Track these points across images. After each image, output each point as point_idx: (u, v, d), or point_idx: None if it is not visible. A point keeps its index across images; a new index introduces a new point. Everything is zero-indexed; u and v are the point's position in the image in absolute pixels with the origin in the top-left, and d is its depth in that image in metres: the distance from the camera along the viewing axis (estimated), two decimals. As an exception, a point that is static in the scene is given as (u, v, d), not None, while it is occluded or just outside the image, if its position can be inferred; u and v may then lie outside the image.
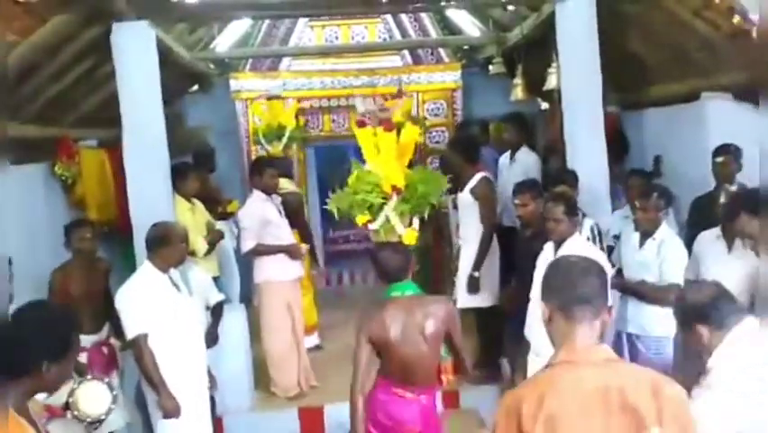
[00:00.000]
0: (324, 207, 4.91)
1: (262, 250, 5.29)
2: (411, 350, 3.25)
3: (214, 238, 5.53)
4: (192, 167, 5.78)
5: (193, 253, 5.18)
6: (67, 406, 2.98)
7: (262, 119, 6.75)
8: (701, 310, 2.65)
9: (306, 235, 6.16)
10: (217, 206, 6.18)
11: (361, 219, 4.52)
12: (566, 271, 2.01)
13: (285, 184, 6.04)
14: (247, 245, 5.29)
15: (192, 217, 5.40)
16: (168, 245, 3.93)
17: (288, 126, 6.56)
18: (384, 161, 4.48)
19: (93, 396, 2.99)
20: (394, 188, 4.41)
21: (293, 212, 5.73)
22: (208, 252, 5.43)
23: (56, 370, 2.06)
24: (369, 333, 3.28)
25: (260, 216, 5.28)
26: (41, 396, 2.60)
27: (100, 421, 2.97)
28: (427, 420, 3.39)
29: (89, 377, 3.17)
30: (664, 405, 1.83)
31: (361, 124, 4.73)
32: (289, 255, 5.38)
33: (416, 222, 4.49)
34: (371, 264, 3.62)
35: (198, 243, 5.30)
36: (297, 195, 6.17)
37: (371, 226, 4.49)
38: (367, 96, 6.63)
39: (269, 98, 7.16)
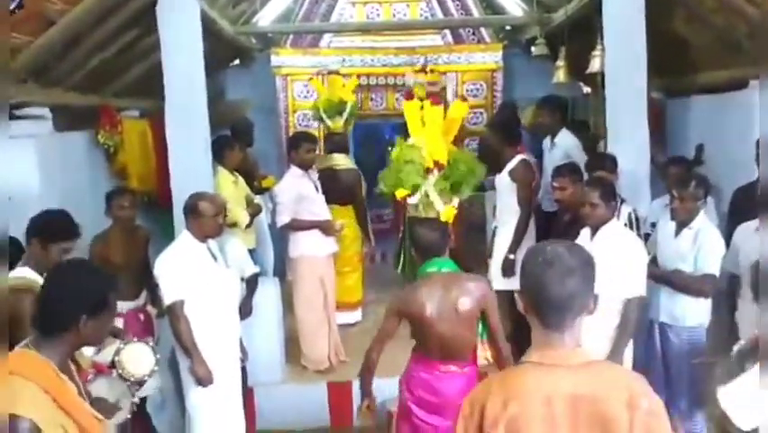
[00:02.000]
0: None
1: (297, 225, 5.34)
2: (446, 327, 3.27)
3: (254, 211, 5.63)
4: (235, 139, 5.85)
5: (235, 225, 5.32)
6: (113, 364, 3.08)
7: (321, 94, 6.71)
8: None
9: (361, 213, 6.19)
10: (254, 180, 6.24)
11: (400, 193, 4.50)
12: (543, 269, 1.78)
13: (342, 161, 6.09)
14: (282, 220, 5.34)
15: (235, 190, 5.51)
16: (201, 216, 3.96)
17: (348, 101, 6.53)
18: (429, 134, 4.44)
19: (138, 357, 3.08)
20: (436, 163, 4.38)
21: (349, 189, 5.75)
22: (249, 224, 5.52)
23: (93, 325, 2.12)
24: (401, 308, 3.35)
25: (296, 192, 5.32)
26: (88, 352, 2.70)
27: (141, 383, 3.06)
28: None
29: (135, 339, 3.27)
30: (637, 419, 1.70)
31: (409, 97, 4.71)
32: (323, 231, 5.42)
33: (455, 201, 4.47)
34: (410, 241, 3.65)
35: (241, 214, 5.41)
36: (353, 171, 6.18)
37: (410, 201, 4.48)
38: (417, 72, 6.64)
39: (330, 73, 7.15)
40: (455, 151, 4.58)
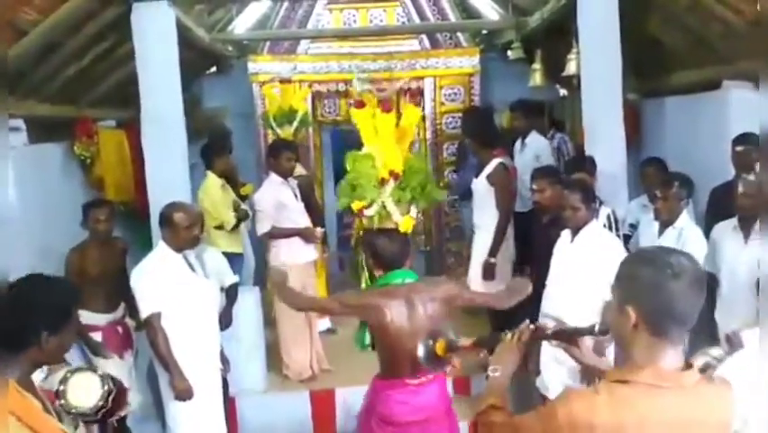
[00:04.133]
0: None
1: (277, 233, 5.31)
2: (413, 338, 3.11)
3: (241, 216, 5.69)
4: (223, 146, 5.93)
5: (221, 227, 5.49)
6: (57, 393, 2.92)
7: (273, 102, 6.74)
8: None
9: (317, 218, 6.17)
10: (234, 187, 6.21)
11: (356, 205, 4.41)
12: (672, 284, 1.64)
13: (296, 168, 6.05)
14: (262, 228, 5.31)
15: (223, 194, 5.66)
16: (176, 227, 3.89)
17: (298, 110, 6.55)
18: (382, 143, 4.35)
19: (84, 387, 2.72)
20: (392, 172, 4.29)
21: (303, 195, 5.74)
22: (235, 227, 5.61)
23: (55, 340, 2.08)
24: (357, 309, 3.30)
25: (276, 200, 5.29)
26: (36, 378, 2.56)
27: (86, 415, 2.72)
28: (446, 402, 3.38)
29: (85, 367, 2.95)
30: None
31: (359, 105, 4.60)
32: (303, 239, 5.39)
33: (413, 210, 4.39)
34: (367, 252, 3.54)
35: (227, 215, 5.54)
36: (306, 177, 6.16)
37: (367, 212, 4.38)
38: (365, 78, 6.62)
39: (282, 81, 7.14)
40: (410, 158, 4.50)
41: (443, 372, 3.41)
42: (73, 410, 2.60)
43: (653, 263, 1.69)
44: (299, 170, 6.13)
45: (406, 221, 4.31)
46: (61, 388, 2.67)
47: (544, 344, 3.94)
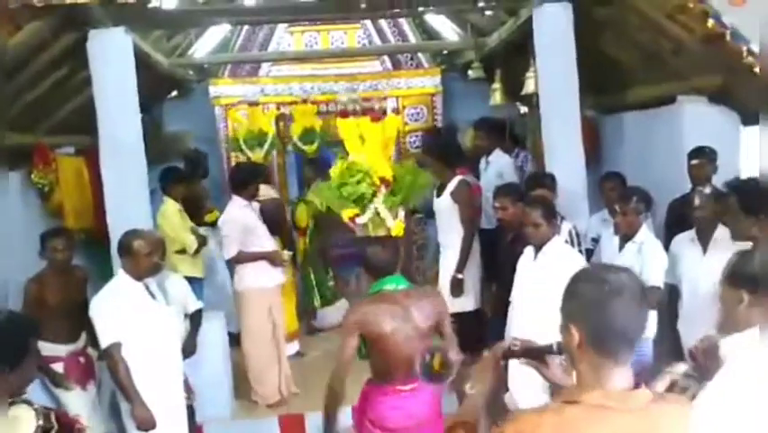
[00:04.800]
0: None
1: (244, 257, 5.26)
2: (409, 344, 3.20)
3: (200, 240, 5.69)
4: (182, 172, 5.91)
5: (183, 251, 5.51)
6: None
7: (241, 126, 6.73)
8: (756, 279, 2.29)
9: (288, 241, 6.14)
10: (201, 213, 6.17)
11: (347, 213, 4.42)
12: (611, 299, 1.63)
13: (265, 190, 6.02)
14: (230, 252, 5.25)
15: (181, 219, 5.64)
16: (135, 255, 3.84)
17: (268, 132, 6.55)
18: (369, 152, 4.39)
19: (16, 421, 2.69)
20: (382, 180, 4.32)
21: (274, 218, 5.70)
22: (196, 252, 5.61)
23: (16, 374, 2.05)
24: (361, 325, 3.23)
25: (242, 223, 5.25)
26: None
27: None
28: (438, 407, 3.38)
29: (22, 399, 2.66)
30: None
31: (344, 115, 4.65)
32: (270, 262, 5.35)
33: (401, 213, 4.43)
34: (359, 261, 3.58)
35: (189, 240, 5.54)
36: (277, 201, 6.16)
37: (359, 220, 4.40)
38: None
39: (250, 104, 7.14)
40: (395, 165, 4.55)
41: (442, 384, 3.42)
42: None
43: (592, 281, 1.69)
44: (270, 192, 6.11)
45: (397, 225, 4.34)
46: None
47: (511, 361, 3.98)
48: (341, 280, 7.21)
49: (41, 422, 2.56)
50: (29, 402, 2.65)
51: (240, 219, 5.26)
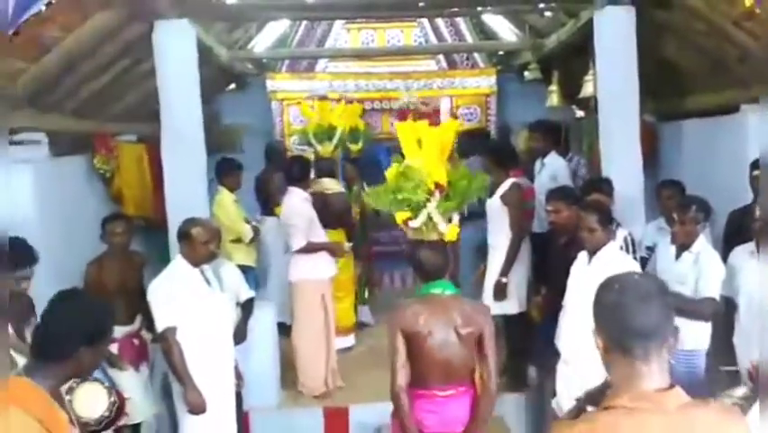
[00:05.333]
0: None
1: (311, 247, 5.33)
2: (448, 349, 3.23)
3: (255, 230, 5.83)
4: (237, 163, 6.02)
5: (239, 240, 5.67)
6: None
7: (311, 119, 6.75)
8: None
9: (352, 236, 6.20)
10: (270, 205, 6.26)
11: (400, 216, 4.42)
12: (621, 297, 1.68)
13: (331, 185, 6.09)
14: (299, 243, 5.29)
15: (236, 209, 5.78)
16: (193, 242, 3.95)
17: (338, 127, 6.58)
18: (427, 156, 4.37)
19: (90, 398, 2.83)
20: (437, 185, 4.31)
21: (339, 212, 5.77)
22: (251, 241, 5.77)
23: (90, 355, 2.13)
24: (403, 326, 3.25)
25: (308, 215, 5.35)
26: None
27: (90, 426, 2.75)
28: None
29: (91, 379, 2.94)
30: None
31: (402, 117, 4.59)
32: (332, 253, 5.45)
33: (455, 218, 4.41)
34: (409, 262, 3.59)
35: (245, 229, 5.71)
36: (343, 195, 6.21)
37: (412, 224, 4.39)
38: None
39: (320, 99, 7.17)
40: (452, 169, 4.52)
41: (474, 386, 3.40)
42: (80, 421, 2.63)
43: (605, 287, 1.74)
44: (335, 186, 6.17)
45: (451, 230, 4.32)
46: (68, 398, 2.68)
47: (560, 365, 3.95)
48: (376, 277, 7.24)
49: (112, 398, 2.74)
50: (99, 380, 2.82)
51: (306, 211, 5.35)
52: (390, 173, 4.41)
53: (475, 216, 5.54)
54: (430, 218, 4.22)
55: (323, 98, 7.18)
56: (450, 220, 4.34)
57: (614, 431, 1.62)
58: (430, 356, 3.25)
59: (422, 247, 3.56)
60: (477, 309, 3.40)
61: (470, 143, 6.73)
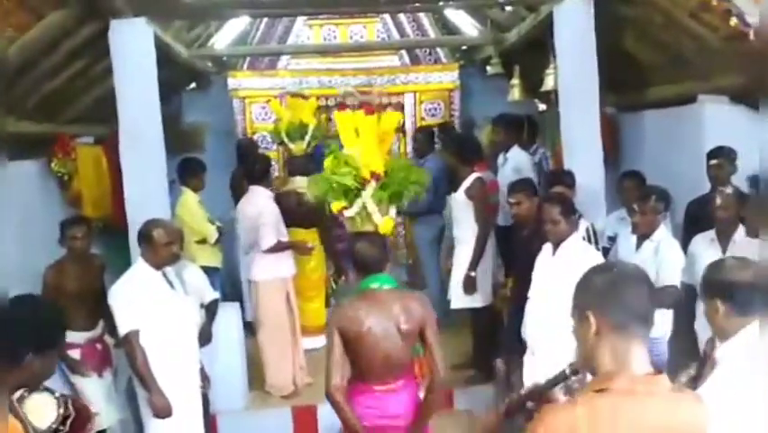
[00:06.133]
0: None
1: (279, 246, 5.28)
2: (388, 345, 3.18)
3: (221, 231, 5.80)
4: (200, 163, 5.94)
5: (204, 241, 5.63)
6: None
7: (282, 117, 6.67)
8: (725, 287, 2.40)
9: (326, 236, 6.17)
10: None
11: (336, 205, 4.38)
12: (622, 282, 1.75)
13: (303, 183, 5.96)
14: (269, 241, 5.22)
15: (200, 209, 5.71)
16: (154, 244, 3.86)
17: (309, 124, 6.52)
18: (364, 145, 4.34)
19: (38, 409, 2.58)
20: (373, 174, 4.27)
21: (313, 212, 5.73)
22: (216, 241, 5.74)
23: (40, 363, 2.07)
24: (339, 325, 3.20)
25: (276, 213, 5.32)
26: None
27: None
28: (415, 408, 3.34)
29: (41, 388, 2.69)
30: None
31: (341, 107, 4.62)
32: (298, 251, 5.46)
33: (392, 211, 4.38)
34: (349, 257, 3.55)
35: (209, 229, 5.66)
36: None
37: (347, 213, 4.36)
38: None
39: (292, 96, 7.09)
40: (391, 160, 4.51)
41: (414, 379, 3.39)
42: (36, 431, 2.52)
43: (602, 270, 1.85)
44: (302, 183, 6.11)
45: (386, 222, 4.30)
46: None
47: (527, 356, 3.98)
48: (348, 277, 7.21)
49: (62, 410, 2.61)
50: (50, 390, 2.70)
51: (275, 209, 5.31)
52: (328, 161, 4.38)
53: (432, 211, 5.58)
54: (365, 208, 4.19)
55: (296, 95, 7.10)
56: (387, 213, 4.32)
57: (614, 413, 1.65)
58: (369, 352, 3.19)
59: (358, 240, 3.49)
60: (417, 301, 3.31)
61: (432, 139, 6.75)
